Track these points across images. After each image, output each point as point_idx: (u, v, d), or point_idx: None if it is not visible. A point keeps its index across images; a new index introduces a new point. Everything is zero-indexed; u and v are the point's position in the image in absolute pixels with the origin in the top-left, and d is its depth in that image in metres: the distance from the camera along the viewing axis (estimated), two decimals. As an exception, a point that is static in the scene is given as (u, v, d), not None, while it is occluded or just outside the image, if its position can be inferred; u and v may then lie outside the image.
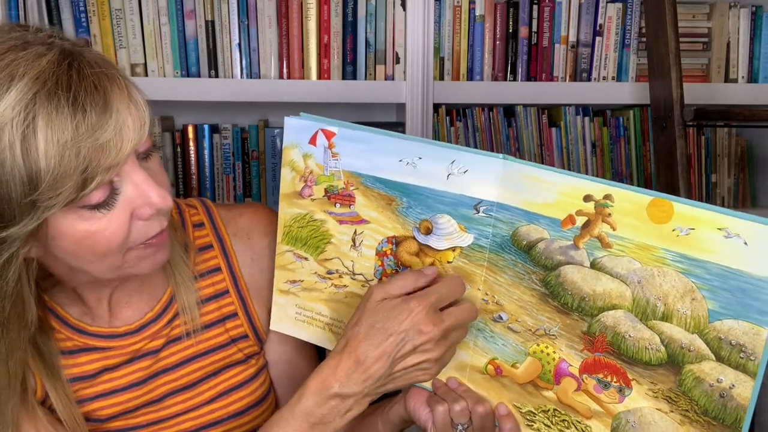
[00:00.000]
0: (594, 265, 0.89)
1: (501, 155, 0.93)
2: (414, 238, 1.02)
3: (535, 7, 2.12)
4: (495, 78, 2.14)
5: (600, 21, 2.16)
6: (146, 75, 1.94)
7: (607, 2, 2.15)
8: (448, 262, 1.00)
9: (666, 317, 0.86)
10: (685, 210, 0.82)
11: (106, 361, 1.09)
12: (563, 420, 0.98)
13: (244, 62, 1.99)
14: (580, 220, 0.89)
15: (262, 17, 1.97)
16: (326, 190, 1.07)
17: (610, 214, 0.87)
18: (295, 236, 1.12)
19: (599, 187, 0.87)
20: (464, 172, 0.96)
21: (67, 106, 0.83)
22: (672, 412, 0.88)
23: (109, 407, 1.10)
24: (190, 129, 2.06)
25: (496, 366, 1.01)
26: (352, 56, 2.03)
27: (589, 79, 2.19)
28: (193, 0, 1.93)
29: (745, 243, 0.79)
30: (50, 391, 1.04)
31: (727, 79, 2.28)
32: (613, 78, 2.20)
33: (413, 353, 0.95)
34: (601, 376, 0.93)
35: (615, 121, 2.25)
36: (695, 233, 0.82)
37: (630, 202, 0.85)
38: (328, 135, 1.05)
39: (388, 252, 1.05)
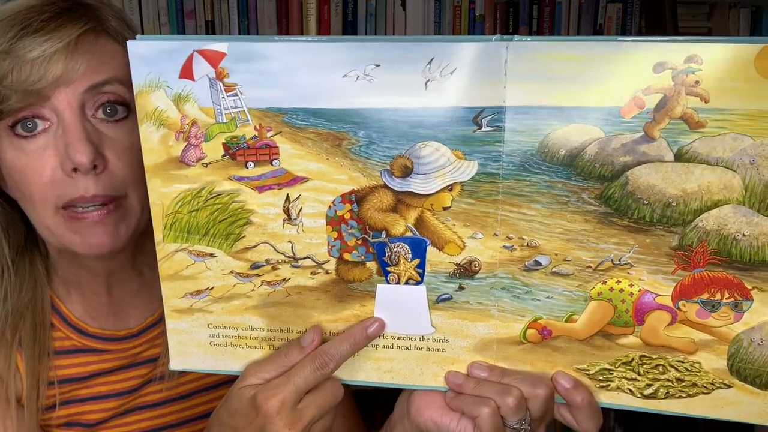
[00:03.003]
0: (680, 157, 0.71)
1: (503, 36, 0.70)
2: (385, 186, 0.77)
3: (535, 7, 2.11)
4: (495, 78, 2.13)
5: (600, 21, 2.15)
6: (146, 75, 1.95)
7: (607, 2, 2.15)
8: (445, 209, 0.78)
9: None
10: None
11: (102, 365, 1.07)
12: (657, 366, 0.81)
13: (244, 62, 1.99)
14: (651, 101, 0.70)
15: (262, 17, 1.99)
16: (227, 146, 0.78)
17: (697, 82, 0.68)
18: (187, 226, 0.83)
19: (677, 48, 0.68)
20: (451, 73, 0.72)
21: (20, 23, 0.87)
22: None
23: (98, 412, 1.08)
24: (191, 129, 2.05)
25: (541, 327, 0.82)
26: (352, 56, 2.03)
27: (589, 79, 2.17)
28: (193, 0, 1.95)
29: None
30: (27, 389, 1.01)
31: (727, 79, 2.26)
32: (613, 78, 2.18)
33: None
34: (705, 296, 0.76)
35: (616, 120, 2.23)
36: None
37: (727, 59, 0.67)
38: (213, 58, 0.74)
39: (347, 216, 0.80)
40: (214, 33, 1.97)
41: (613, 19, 2.16)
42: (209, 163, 0.78)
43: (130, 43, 0.74)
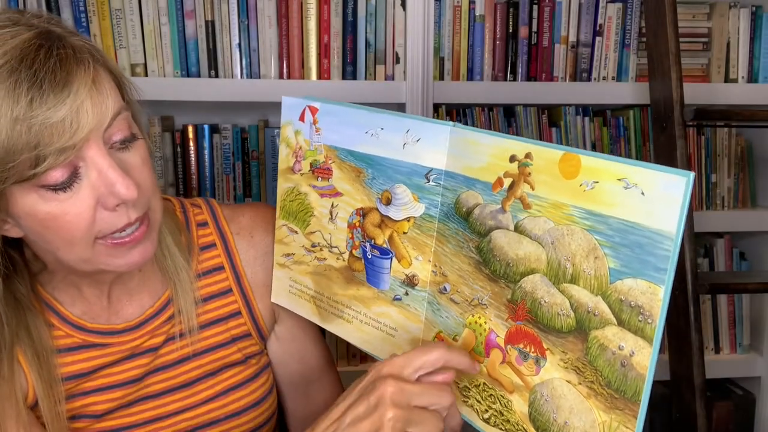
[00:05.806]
0: (517, 228, 0.86)
1: (451, 123, 0.92)
2: (377, 209, 1.03)
3: (535, 7, 2.11)
4: (495, 78, 2.14)
5: (600, 21, 2.15)
6: (146, 75, 1.96)
7: (607, 2, 2.14)
8: (404, 233, 1.00)
9: (574, 279, 0.80)
10: (591, 162, 0.77)
11: (104, 359, 1.10)
12: (490, 395, 0.92)
13: (244, 62, 2.00)
14: (507, 182, 0.86)
15: (262, 17, 1.98)
16: (311, 165, 1.11)
17: (530, 173, 0.83)
18: (288, 210, 1.17)
19: (521, 146, 0.84)
20: (417, 141, 0.96)
21: (26, 82, 0.84)
22: (580, 384, 0.81)
23: (104, 402, 1.10)
24: (190, 129, 2.07)
25: (441, 339, 0.98)
26: (352, 56, 2.04)
27: (589, 79, 2.18)
28: (193, 0, 1.95)
29: (642, 193, 0.73)
30: (38, 389, 1.04)
31: (727, 79, 2.26)
32: (613, 78, 2.19)
33: (367, 416, 0.87)
34: (521, 346, 0.87)
35: (615, 121, 2.24)
36: (599, 186, 0.76)
37: (545, 159, 0.81)
38: (313, 111, 1.10)
39: (357, 224, 1.06)
40: (214, 33, 1.97)
41: (613, 19, 2.15)
42: (303, 173, 1.13)
43: (284, 98, 1.13)
